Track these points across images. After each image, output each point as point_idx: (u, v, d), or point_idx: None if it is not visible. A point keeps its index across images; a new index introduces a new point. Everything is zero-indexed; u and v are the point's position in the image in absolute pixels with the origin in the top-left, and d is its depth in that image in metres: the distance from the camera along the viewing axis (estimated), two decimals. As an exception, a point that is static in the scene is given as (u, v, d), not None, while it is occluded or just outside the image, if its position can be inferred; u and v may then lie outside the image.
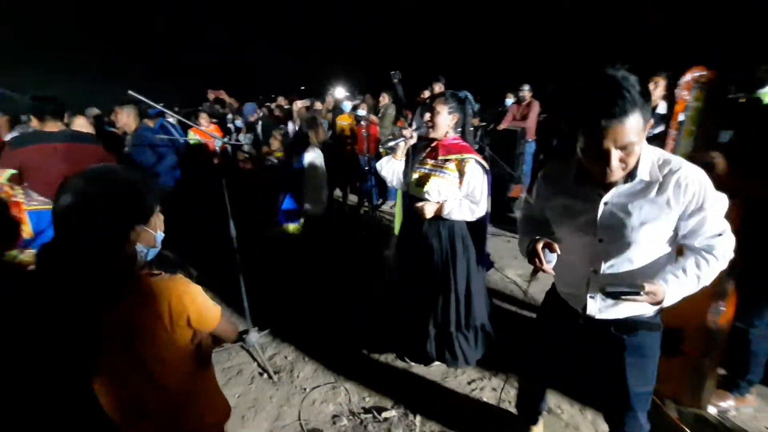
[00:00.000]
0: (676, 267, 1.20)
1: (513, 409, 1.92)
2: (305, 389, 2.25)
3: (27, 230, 1.63)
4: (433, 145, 2.16)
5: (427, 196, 2.08)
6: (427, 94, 4.95)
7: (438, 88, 4.91)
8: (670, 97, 2.43)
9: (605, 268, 1.24)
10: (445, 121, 2.08)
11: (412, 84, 5.01)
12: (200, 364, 1.06)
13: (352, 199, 5.71)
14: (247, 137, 5.38)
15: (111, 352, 0.93)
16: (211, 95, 6.14)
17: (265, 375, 2.36)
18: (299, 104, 4.92)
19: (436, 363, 2.35)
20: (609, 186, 1.16)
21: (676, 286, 1.16)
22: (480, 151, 2.53)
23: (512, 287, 3.28)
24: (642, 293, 1.10)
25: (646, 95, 1.01)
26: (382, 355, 2.48)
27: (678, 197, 1.12)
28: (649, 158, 1.14)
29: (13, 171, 1.77)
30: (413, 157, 2.19)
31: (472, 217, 2.10)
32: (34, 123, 2.75)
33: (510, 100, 6.04)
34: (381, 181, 5.47)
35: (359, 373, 2.36)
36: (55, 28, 15.10)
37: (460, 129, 2.16)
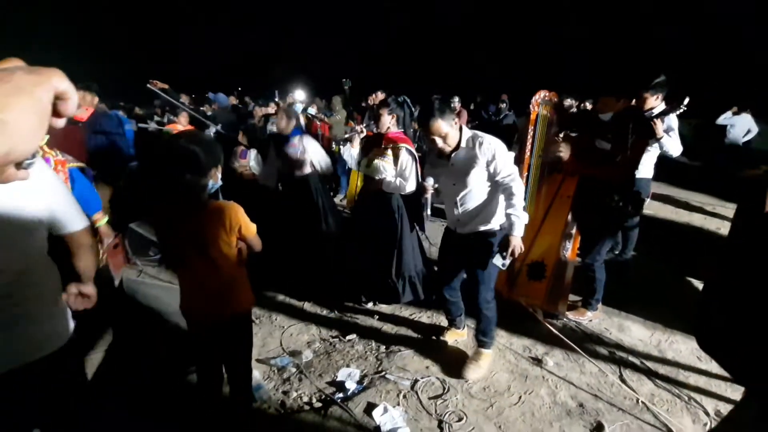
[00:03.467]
0: (508, 215, 2.09)
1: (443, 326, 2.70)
2: (283, 327, 2.86)
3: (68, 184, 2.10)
4: (380, 137, 2.90)
5: (374, 173, 2.81)
6: (372, 98, 5.72)
7: (381, 94, 5.72)
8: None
9: (459, 200, 2.18)
10: (386, 121, 2.85)
11: (367, 89, 5.78)
12: (241, 261, 1.66)
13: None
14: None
15: (191, 250, 1.52)
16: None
17: (249, 321, 2.92)
18: (261, 111, 5.45)
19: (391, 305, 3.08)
20: (450, 154, 2.12)
21: (518, 224, 2.06)
22: (418, 150, 3.35)
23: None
24: (509, 254, 2.06)
25: (443, 109, 1.99)
26: (345, 302, 3.15)
27: (481, 153, 2.05)
28: (467, 135, 2.10)
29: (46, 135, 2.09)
30: (366, 147, 2.93)
31: (404, 191, 2.84)
32: None
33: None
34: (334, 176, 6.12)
35: (327, 315, 3.02)
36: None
37: (402, 125, 2.95)
